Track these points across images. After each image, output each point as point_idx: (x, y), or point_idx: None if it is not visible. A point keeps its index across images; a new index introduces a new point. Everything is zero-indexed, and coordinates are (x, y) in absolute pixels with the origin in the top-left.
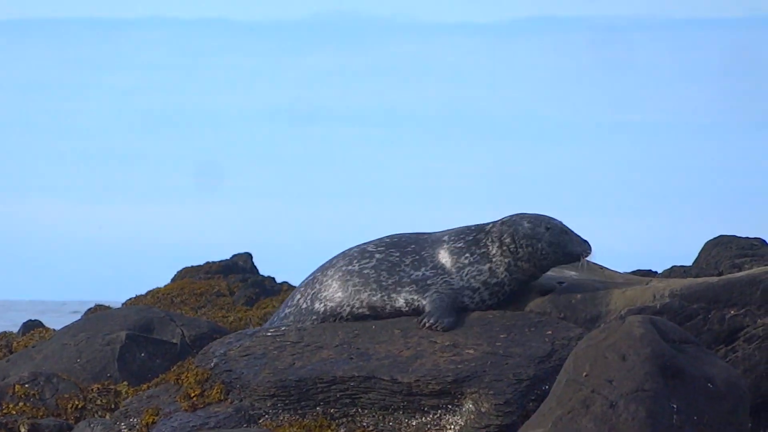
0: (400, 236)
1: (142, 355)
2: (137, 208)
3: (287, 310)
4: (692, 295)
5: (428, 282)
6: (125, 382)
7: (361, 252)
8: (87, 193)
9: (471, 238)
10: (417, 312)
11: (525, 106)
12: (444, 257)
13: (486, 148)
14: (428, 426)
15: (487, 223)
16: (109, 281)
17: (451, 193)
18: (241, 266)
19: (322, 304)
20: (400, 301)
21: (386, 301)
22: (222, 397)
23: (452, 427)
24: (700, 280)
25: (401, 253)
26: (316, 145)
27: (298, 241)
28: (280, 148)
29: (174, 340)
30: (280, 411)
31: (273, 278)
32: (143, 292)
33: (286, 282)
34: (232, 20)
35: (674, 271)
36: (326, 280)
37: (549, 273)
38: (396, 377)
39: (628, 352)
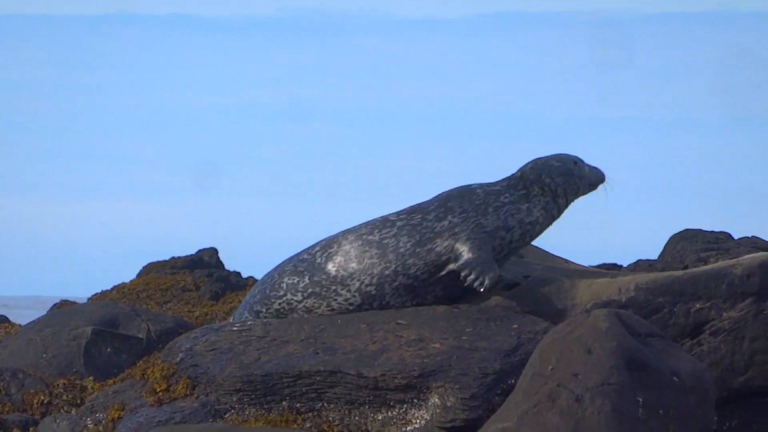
0: (426, 201)
1: (108, 350)
2: (103, 204)
3: (304, 256)
4: (658, 289)
5: (456, 228)
6: (91, 378)
7: (383, 221)
8: (52, 189)
9: (507, 183)
10: (437, 269)
11: (494, 101)
12: (478, 200)
13: (455, 143)
14: (394, 420)
15: (514, 173)
16: (75, 277)
17: (420, 188)
18: (206, 261)
19: (334, 268)
20: (419, 264)
21: (399, 271)
22: (188, 392)
23: (418, 421)
24: (665, 273)
25: (423, 214)
26: (283, 142)
27: (263, 237)
28: (246, 145)
29: (140, 335)
30: (246, 406)
31: (239, 273)
32: (109, 287)
33: (252, 277)
34: (200, 16)
35: (640, 265)
36: (345, 245)
37: (515, 268)
38: (362, 372)
39: (593, 346)
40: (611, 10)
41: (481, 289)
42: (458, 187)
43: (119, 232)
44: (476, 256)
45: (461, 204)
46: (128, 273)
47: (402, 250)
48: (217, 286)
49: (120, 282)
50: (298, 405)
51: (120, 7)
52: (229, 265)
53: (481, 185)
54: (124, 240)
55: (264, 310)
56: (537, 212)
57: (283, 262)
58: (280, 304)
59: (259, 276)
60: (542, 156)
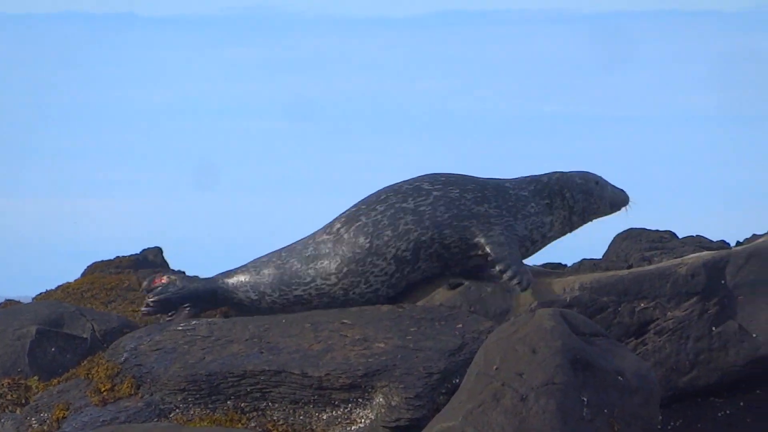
0: (455, 174)
1: (53, 349)
2: (46, 203)
3: (324, 237)
4: (602, 288)
5: (491, 220)
6: (36, 377)
7: (416, 189)
8: None
9: (533, 188)
10: (470, 248)
11: (437, 99)
12: (510, 201)
13: (400, 141)
14: (339, 420)
15: (538, 176)
16: (19, 276)
17: (366, 186)
18: (151, 261)
19: (367, 240)
20: (454, 236)
21: (435, 239)
22: (132, 392)
23: (363, 420)
24: (610, 273)
25: (461, 190)
26: (227, 139)
27: (208, 236)
28: (189, 142)
29: (84, 335)
30: (191, 405)
31: (183, 272)
32: (53, 286)
33: (197, 276)
34: (140, 15)
35: (584, 264)
36: (375, 215)
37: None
38: (306, 371)
39: (538, 345)
40: (561, 8)
41: (521, 290)
42: (491, 179)
43: (63, 231)
44: (511, 252)
45: (497, 198)
46: (73, 272)
47: (440, 218)
48: None
49: (64, 281)
50: (242, 404)
51: (66, 6)
52: (174, 264)
53: (512, 184)
54: (68, 239)
55: (276, 296)
56: (557, 227)
57: (289, 249)
58: (305, 290)
59: (204, 275)
60: (567, 171)
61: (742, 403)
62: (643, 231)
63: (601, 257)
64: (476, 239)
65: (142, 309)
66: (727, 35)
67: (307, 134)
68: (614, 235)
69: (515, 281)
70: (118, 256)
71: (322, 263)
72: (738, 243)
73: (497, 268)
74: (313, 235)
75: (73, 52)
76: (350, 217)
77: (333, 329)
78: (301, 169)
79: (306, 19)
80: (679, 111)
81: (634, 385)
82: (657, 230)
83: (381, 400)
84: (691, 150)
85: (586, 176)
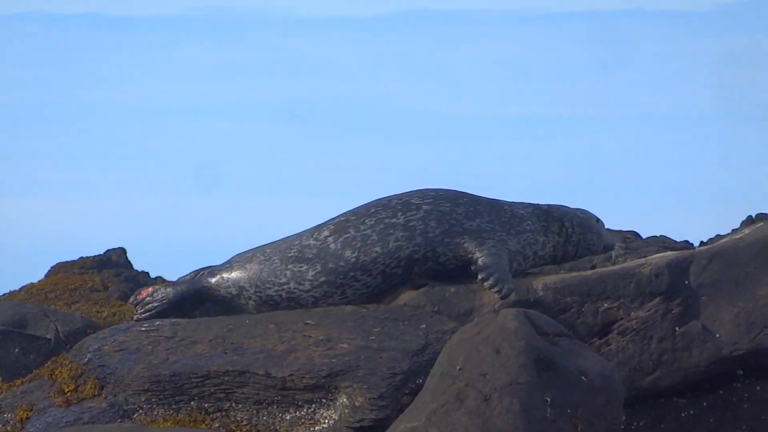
0: (446, 189)
1: (16, 350)
2: (7, 203)
3: (311, 242)
4: (566, 289)
5: (483, 235)
6: None
7: (405, 204)
8: None
9: (531, 211)
10: (465, 263)
11: (401, 99)
12: (504, 217)
13: (364, 142)
14: (302, 420)
15: (542, 204)
16: None
17: (329, 186)
18: (115, 261)
19: (354, 254)
20: (448, 255)
21: (429, 257)
22: (96, 393)
23: (326, 421)
24: (573, 273)
25: (452, 204)
26: (190, 140)
27: (172, 236)
28: (154, 143)
29: (48, 336)
30: (155, 406)
31: (147, 273)
32: (17, 287)
33: (161, 276)
34: (107, 15)
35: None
36: (364, 230)
37: None
38: (270, 372)
39: (501, 346)
40: (527, 8)
41: (500, 297)
42: (485, 198)
43: (27, 232)
44: (497, 263)
45: (490, 213)
46: (36, 273)
47: (431, 234)
48: (125, 286)
49: (28, 282)
50: (206, 405)
51: (33, 7)
52: (138, 265)
53: (508, 203)
54: (31, 240)
55: (252, 291)
56: (548, 248)
57: (275, 246)
58: (276, 291)
59: (168, 276)
60: (569, 207)
61: (705, 404)
62: (607, 231)
63: None
64: (470, 255)
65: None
66: (694, 36)
67: (269, 135)
68: None
69: (495, 289)
70: (81, 257)
71: (301, 267)
72: (701, 243)
73: (480, 276)
74: (300, 237)
75: (37, 53)
76: (339, 227)
77: (297, 330)
78: (264, 170)
79: (270, 20)
80: (641, 112)
81: (598, 385)
82: (621, 230)
83: (345, 400)
84: (654, 150)
85: (587, 213)
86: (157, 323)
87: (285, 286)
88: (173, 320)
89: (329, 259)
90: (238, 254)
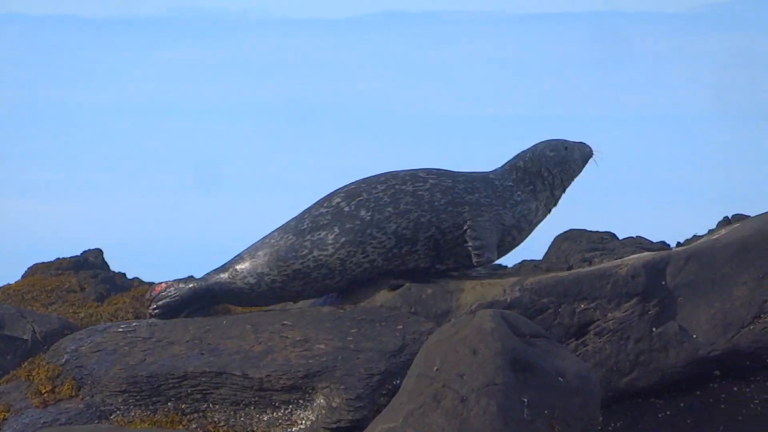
0: (444, 169)
1: None
2: None
3: (321, 210)
4: (543, 290)
5: (482, 207)
6: None
7: (413, 175)
8: None
9: (515, 177)
10: (462, 236)
11: (377, 100)
12: (498, 191)
13: (338, 141)
14: (279, 421)
15: (514, 161)
16: None
17: (304, 187)
18: (91, 262)
19: (369, 213)
20: (449, 222)
21: (433, 222)
22: (73, 393)
23: (303, 422)
24: (550, 274)
25: (453, 181)
26: (167, 140)
27: (148, 237)
28: (130, 143)
29: (25, 337)
30: (132, 407)
31: (124, 274)
32: None
33: (138, 278)
34: (83, 17)
35: (524, 266)
36: (376, 193)
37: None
38: (247, 372)
39: (478, 347)
40: (501, 10)
41: (476, 262)
42: (476, 172)
43: (3, 233)
44: (488, 231)
45: (486, 188)
46: (13, 274)
47: (436, 203)
48: (102, 287)
49: (5, 283)
50: (183, 406)
51: (9, 9)
52: (115, 266)
53: (495, 175)
54: (8, 241)
55: (275, 273)
56: (542, 211)
57: (282, 229)
58: (303, 263)
59: (144, 277)
60: (534, 145)
61: (682, 404)
62: (583, 232)
63: (541, 258)
64: (468, 221)
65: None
66: (669, 36)
67: (245, 134)
68: (554, 237)
69: (477, 251)
70: (58, 258)
71: (319, 234)
72: (678, 244)
73: (467, 236)
74: (309, 210)
75: (15, 54)
76: (350, 192)
77: (273, 330)
78: (241, 170)
79: (249, 20)
80: (616, 113)
81: (575, 386)
82: (597, 231)
83: (322, 401)
84: (630, 151)
85: (554, 145)
86: (134, 324)
87: (309, 256)
88: (150, 321)
89: (345, 220)
90: (245, 249)
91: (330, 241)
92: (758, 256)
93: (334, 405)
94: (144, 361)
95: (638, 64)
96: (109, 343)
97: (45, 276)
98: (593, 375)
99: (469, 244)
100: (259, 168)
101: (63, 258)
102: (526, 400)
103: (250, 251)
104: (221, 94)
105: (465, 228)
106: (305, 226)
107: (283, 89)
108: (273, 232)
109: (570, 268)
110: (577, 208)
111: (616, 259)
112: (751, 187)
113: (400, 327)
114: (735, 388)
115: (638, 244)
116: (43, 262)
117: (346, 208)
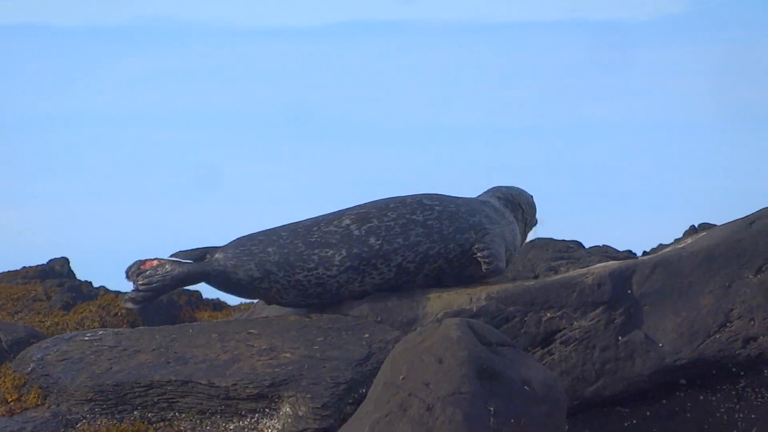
0: (438, 194)
1: None
2: None
3: (332, 228)
4: (509, 298)
5: (486, 227)
6: None
7: (419, 203)
8: None
9: (501, 202)
10: (468, 259)
11: (341, 108)
12: (492, 212)
13: (303, 149)
14: (246, 430)
15: (493, 191)
16: None
17: (270, 194)
18: (57, 271)
19: (378, 242)
20: (457, 250)
21: (441, 254)
22: (39, 402)
23: (270, 430)
24: (516, 283)
25: (456, 205)
26: (133, 149)
27: (115, 246)
28: (96, 152)
29: None
30: (98, 415)
31: (90, 282)
32: None
33: (103, 286)
34: (50, 25)
35: None
36: (387, 221)
37: None
38: (213, 381)
39: (444, 355)
40: (468, 18)
41: (487, 269)
42: (466, 198)
43: None
44: (496, 246)
45: (483, 210)
46: None
47: (445, 232)
48: (68, 296)
49: None
50: (149, 415)
51: None
52: (81, 274)
53: (484, 198)
54: None
55: (280, 275)
56: (519, 236)
57: (290, 231)
58: (306, 276)
59: (110, 286)
60: (507, 186)
61: (648, 413)
62: (549, 241)
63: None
64: (476, 243)
65: (127, 298)
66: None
67: (208, 143)
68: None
69: (488, 260)
70: (24, 267)
71: (327, 252)
72: (644, 253)
73: (478, 249)
74: (317, 222)
75: None
76: (361, 216)
77: (240, 339)
78: (202, 180)
79: (216, 30)
80: (581, 120)
81: (541, 395)
82: (563, 240)
83: (288, 410)
84: (595, 160)
85: (522, 190)
86: (100, 332)
87: (314, 272)
88: (116, 330)
89: (354, 244)
90: (244, 237)
91: (336, 263)
92: (724, 265)
93: (300, 414)
94: (110, 370)
95: (605, 73)
96: (76, 352)
97: (11, 284)
98: (559, 383)
99: (478, 255)
100: (227, 175)
101: (29, 266)
102: (492, 408)
103: (257, 245)
104: (191, 102)
105: (474, 246)
106: (314, 239)
107: (250, 96)
108: (281, 230)
109: (536, 276)
110: (544, 217)
111: (582, 267)
112: (718, 196)
113: (367, 335)
114: (701, 397)
115: (604, 252)
116: (8, 271)
117: (356, 232)
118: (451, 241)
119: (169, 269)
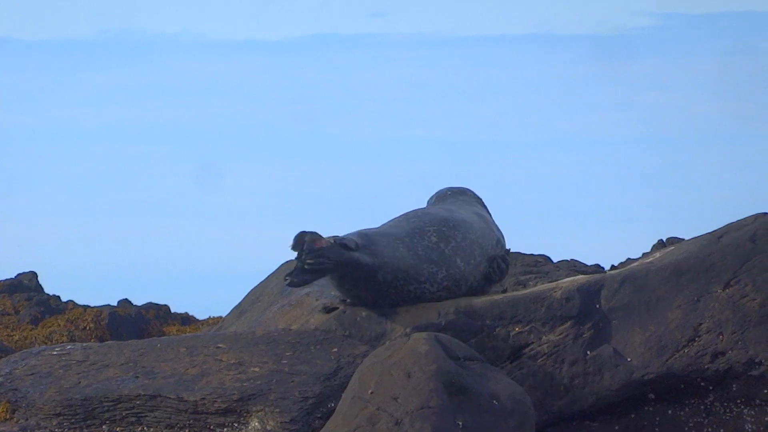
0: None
1: None
2: None
3: (426, 243)
4: (477, 312)
5: (499, 238)
6: None
7: (466, 224)
8: None
9: (472, 199)
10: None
11: (309, 122)
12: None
13: (273, 165)
14: None
15: (463, 192)
16: None
17: (241, 210)
18: (26, 285)
19: (462, 262)
20: (492, 265)
21: (483, 272)
22: (8, 416)
23: None
24: (484, 297)
25: (480, 221)
26: (101, 163)
27: (82, 260)
28: (65, 167)
29: None
30: (66, 429)
31: (58, 297)
32: None
33: (72, 300)
34: (17, 39)
35: None
36: (461, 242)
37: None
38: (182, 395)
39: (413, 370)
40: (434, 32)
41: (498, 278)
42: (467, 206)
43: None
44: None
45: (484, 215)
46: None
47: (490, 252)
48: (36, 310)
49: None
50: (118, 429)
51: None
52: (49, 288)
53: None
54: None
55: (402, 283)
56: None
57: (409, 236)
58: (415, 288)
59: (79, 300)
60: (453, 186)
61: (617, 427)
62: (518, 255)
63: None
64: (496, 258)
65: (290, 274)
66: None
67: (176, 158)
68: None
69: (504, 273)
70: None
71: (431, 269)
72: (612, 267)
73: (500, 259)
74: (411, 236)
75: None
76: (442, 234)
77: (208, 353)
78: (171, 195)
79: (181, 43)
80: (549, 134)
81: (509, 409)
82: (532, 254)
83: (256, 424)
84: (564, 173)
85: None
86: (69, 347)
87: (423, 285)
88: (85, 344)
89: (450, 264)
90: (385, 229)
91: (438, 280)
92: (693, 279)
93: (268, 428)
94: (79, 384)
95: (572, 88)
96: (44, 366)
97: None
98: (528, 398)
99: (498, 268)
100: (192, 193)
101: None
102: (460, 423)
103: (390, 242)
104: (159, 116)
105: (495, 259)
106: (420, 252)
107: (218, 110)
108: (400, 232)
109: (504, 291)
110: (512, 232)
111: (550, 282)
112: (686, 210)
113: (335, 350)
114: (669, 411)
115: (572, 267)
116: None
117: (447, 251)
118: (492, 259)
119: (340, 253)
